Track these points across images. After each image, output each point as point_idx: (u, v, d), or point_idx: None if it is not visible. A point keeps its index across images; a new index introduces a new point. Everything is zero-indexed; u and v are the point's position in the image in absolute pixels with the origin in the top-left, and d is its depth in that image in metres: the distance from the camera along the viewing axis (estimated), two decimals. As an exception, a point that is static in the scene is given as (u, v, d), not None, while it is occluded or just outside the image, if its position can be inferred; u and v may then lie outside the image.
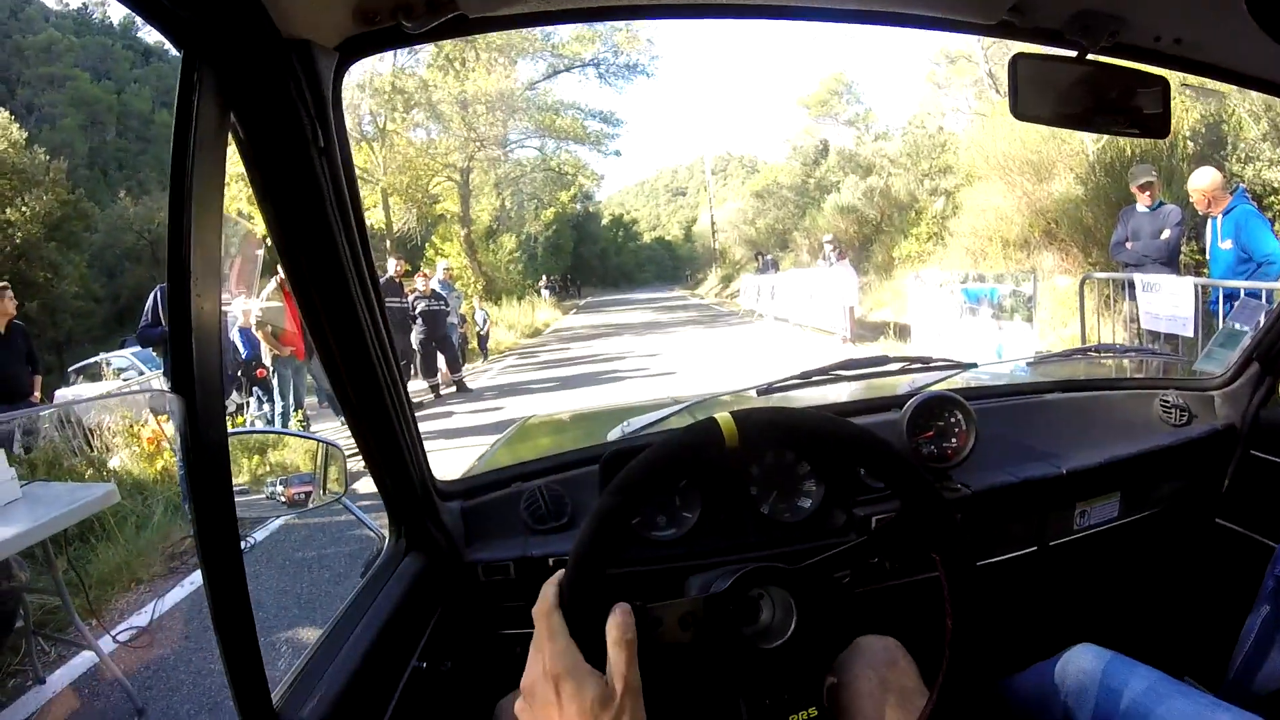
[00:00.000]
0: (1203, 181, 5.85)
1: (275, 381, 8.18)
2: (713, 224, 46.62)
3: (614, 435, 1.75)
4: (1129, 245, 6.61)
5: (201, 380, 0.73)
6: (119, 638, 3.82)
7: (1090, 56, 1.09)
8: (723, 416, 0.84)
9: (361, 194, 1.07)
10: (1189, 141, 10.39)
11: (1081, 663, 1.27)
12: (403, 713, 1.10)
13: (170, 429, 6.62)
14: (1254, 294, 5.47)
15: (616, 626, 0.76)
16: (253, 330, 7.90)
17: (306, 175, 0.89)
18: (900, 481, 0.90)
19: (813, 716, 0.90)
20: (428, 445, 1.33)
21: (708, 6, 1.05)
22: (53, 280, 24.85)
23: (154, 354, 6.27)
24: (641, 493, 0.82)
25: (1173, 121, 1.18)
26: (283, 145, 0.86)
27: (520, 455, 1.78)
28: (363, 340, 1.04)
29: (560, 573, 0.81)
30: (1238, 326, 2.03)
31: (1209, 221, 6.00)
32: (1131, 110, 1.14)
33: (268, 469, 4.67)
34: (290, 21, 0.81)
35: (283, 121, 0.85)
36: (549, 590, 0.80)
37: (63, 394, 12.56)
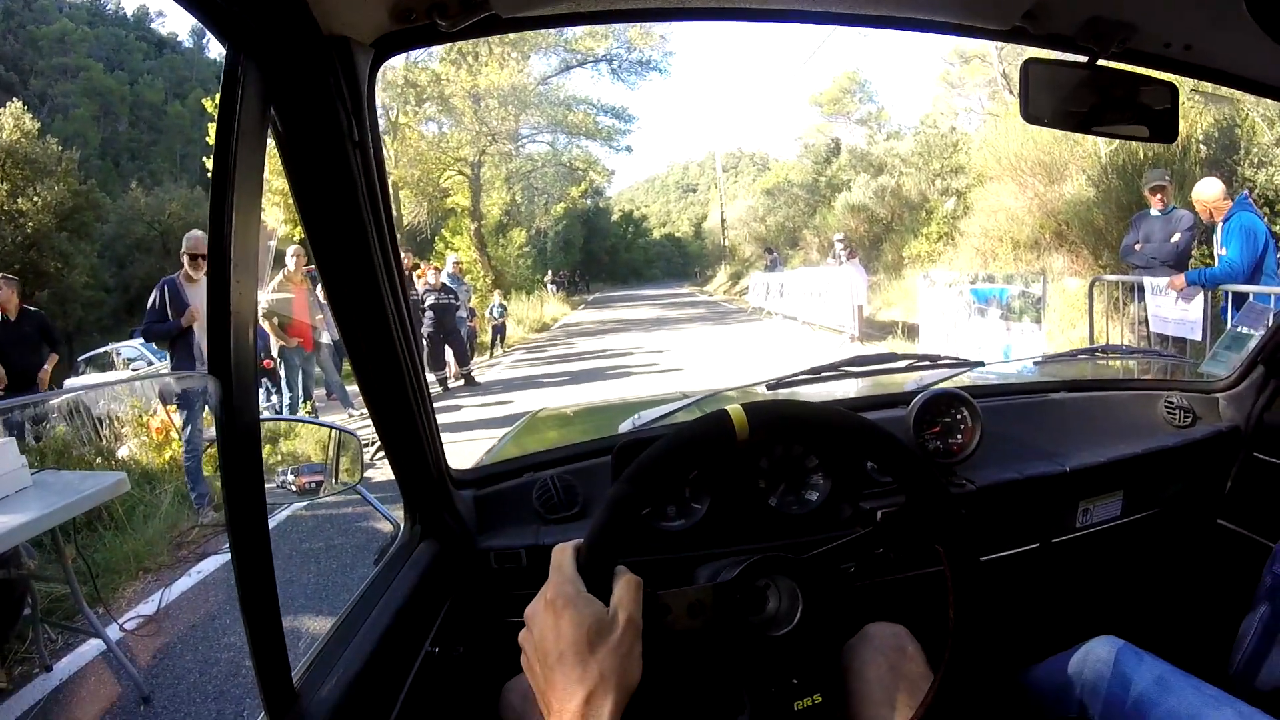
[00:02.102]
0: (1205, 193, 5.97)
1: (283, 372, 8.24)
2: (723, 221, 46.37)
3: (625, 427, 1.77)
4: (1139, 248, 6.62)
5: (237, 365, 0.76)
6: (126, 626, 3.84)
7: (1100, 62, 1.11)
8: (733, 409, 0.86)
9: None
10: (1202, 146, 10.30)
11: (1099, 653, 1.29)
12: (416, 695, 1.12)
13: (179, 419, 6.65)
14: (1262, 299, 5.48)
15: (626, 572, 0.79)
16: (260, 321, 7.92)
17: (341, 168, 0.92)
18: (906, 474, 0.91)
19: (817, 703, 0.93)
20: (435, 438, 1.35)
21: (731, 10, 1.08)
22: (63, 270, 24.69)
23: (159, 348, 6.24)
24: (654, 482, 0.84)
25: (1185, 126, 1.20)
26: (320, 139, 0.89)
27: (530, 447, 1.78)
28: (388, 329, 1.07)
29: (574, 542, 0.83)
30: (1244, 330, 2.03)
31: (1217, 227, 6.04)
32: (1140, 115, 1.16)
33: (279, 458, 4.70)
34: (331, 18, 0.83)
35: (320, 116, 0.87)
36: (565, 552, 0.81)
37: (71, 383, 12.58)
